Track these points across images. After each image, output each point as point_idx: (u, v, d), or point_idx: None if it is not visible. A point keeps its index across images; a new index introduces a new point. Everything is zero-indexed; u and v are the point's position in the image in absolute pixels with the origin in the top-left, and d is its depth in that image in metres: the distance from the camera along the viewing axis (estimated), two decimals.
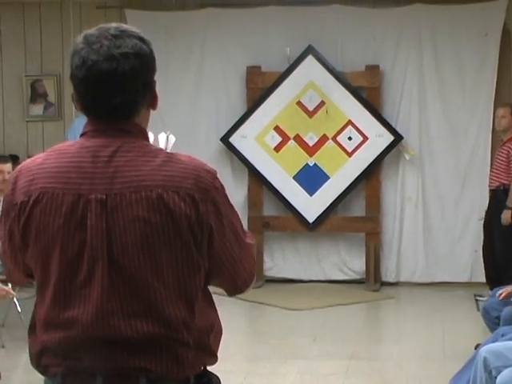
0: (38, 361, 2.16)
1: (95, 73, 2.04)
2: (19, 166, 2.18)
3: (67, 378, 2.10)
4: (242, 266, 2.18)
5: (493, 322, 5.56)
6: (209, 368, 2.23)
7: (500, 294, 5.48)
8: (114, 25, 2.11)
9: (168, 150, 2.28)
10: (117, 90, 2.05)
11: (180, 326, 2.08)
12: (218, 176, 2.11)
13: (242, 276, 2.20)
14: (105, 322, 2.04)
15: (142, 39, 2.10)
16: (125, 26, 2.12)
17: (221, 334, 2.26)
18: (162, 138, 2.44)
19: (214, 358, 2.22)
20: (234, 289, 2.25)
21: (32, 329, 2.18)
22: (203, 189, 2.05)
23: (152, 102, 2.16)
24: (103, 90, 2.05)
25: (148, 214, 2.01)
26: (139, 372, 2.06)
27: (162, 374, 2.07)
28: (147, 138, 2.16)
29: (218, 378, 2.24)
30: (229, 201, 2.12)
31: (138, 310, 2.05)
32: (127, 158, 2.06)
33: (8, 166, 7.48)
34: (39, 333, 2.14)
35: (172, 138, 2.48)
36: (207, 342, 2.17)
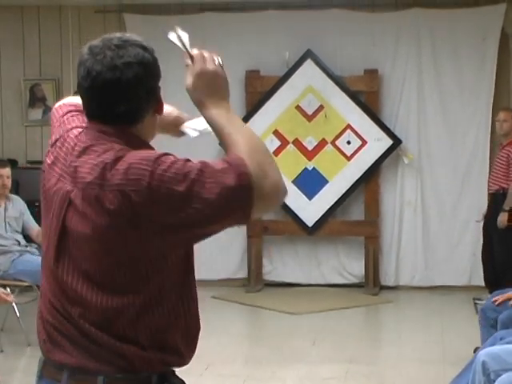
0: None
1: (99, 83, 2.11)
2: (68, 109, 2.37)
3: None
4: (216, 216, 2.04)
5: (490, 325, 5.57)
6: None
7: (496, 300, 5.46)
8: (117, 35, 2.18)
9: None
10: (121, 99, 2.13)
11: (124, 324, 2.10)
12: (157, 157, 2.05)
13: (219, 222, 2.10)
14: (53, 311, 2.16)
15: (144, 48, 2.20)
16: (127, 36, 2.19)
17: (195, 333, 2.21)
18: (173, 39, 2.46)
19: (180, 359, 2.19)
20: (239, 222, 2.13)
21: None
22: (134, 180, 2.01)
23: (157, 107, 2.26)
24: (108, 99, 2.13)
25: (89, 213, 2.06)
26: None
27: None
28: (135, 144, 2.14)
29: (182, 382, 2.22)
30: (173, 175, 2.02)
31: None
32: (89, 157, 2.11)
33: (7, 171, 7.49)
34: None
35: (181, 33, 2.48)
36: (169, 341, 2.15)
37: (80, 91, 2.17)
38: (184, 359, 2.19)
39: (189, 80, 2.24)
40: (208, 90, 2.22)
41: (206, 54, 2.28)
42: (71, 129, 2.28)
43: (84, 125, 2.24)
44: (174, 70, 9.24)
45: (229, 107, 2.18)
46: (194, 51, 2.29)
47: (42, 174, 2.25)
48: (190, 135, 2.58)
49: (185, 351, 2.18)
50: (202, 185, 2.00)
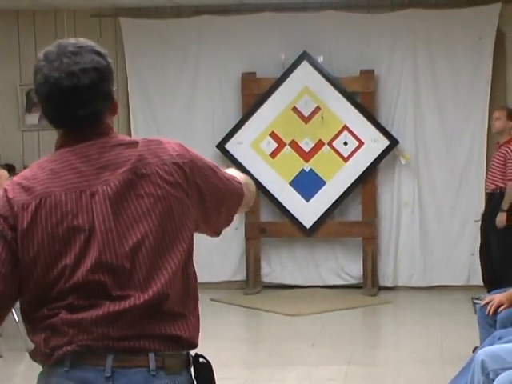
0: (45, 345, 2.17)
1: (57, 89, 2.19)
2: (10, 181, 2.26)
3: (76, 358, 2.12)
4: (229, 191, 2.39)
5: (489, 324, 5.56)
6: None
7: (489, 311, 5.43)
8: (72, 41, 2.25)
9: None
10: (79, 104, 2.20)
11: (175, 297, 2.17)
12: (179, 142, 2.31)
13: (222, 222, 2.41)
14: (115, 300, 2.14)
15: (98, 53, 2.24)
16: (82, 41, 2.25)
17: (200, 315, 2.30)
18: None
19: (196, 340, 2.25)
20: (216, 232, 2.43)
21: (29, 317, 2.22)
22: (182, 155, 2.24)
23: (113, 108, 2.30)
24: (67, 104, 2.20)
25: (150, 190, 2.17)
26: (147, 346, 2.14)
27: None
28: (116, 133, 2.30)
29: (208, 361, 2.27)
30: (195, 152, 2.32)
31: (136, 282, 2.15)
32: (116, 152, 2.21)
33: (4, 172, 7.49)
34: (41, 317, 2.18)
35: None
36: (192, 321, 2.22)
37: (38, 98, 2.25)
38: (197, 341, 2.25)
39: None
40: None
41: None
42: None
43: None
44: (169, 72, 9.31)
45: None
46: None
47: (36, 222, 2.16)
48: None
49: (198, 333, 2.26)
50: (220, 170, 2.37)
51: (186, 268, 2.21)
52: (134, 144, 2.24)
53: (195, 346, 2.22)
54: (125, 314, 2.11)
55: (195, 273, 2.27)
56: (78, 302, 2.13)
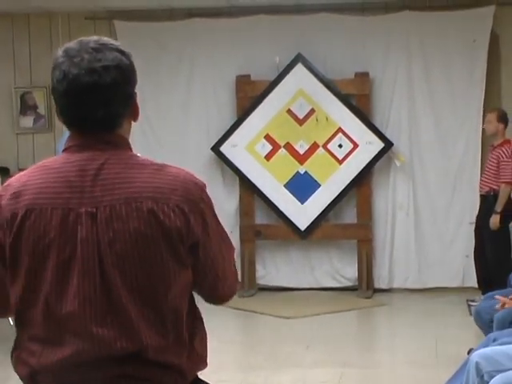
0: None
1: (77, 86, 2.06)
2: (3, 186, 2.18)
3: None
4: (224, 276, 2.21)
5: (486, 326, 5.57)
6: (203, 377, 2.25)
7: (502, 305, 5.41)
8: (94, 38, 2.13)
9: None
10: (99, 103, 2.07)
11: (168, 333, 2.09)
12: (207, 189, 2.14)
13: (221, 287, 2.23)
14: (94, 338, 2.05)
15: (122, 52, 2.12)
16: (105, 39, 2.14)
17: (206, 338, 2.26)
18: None
19: (204, 363, 2.23)
20: (213, 298, 2.28)
21: (16, 350, 2.20)
22: (192, 201, 2.08)
23: (134, 113, 2.18)
24: (85, 103, 2.07)
25: (139, 226, 2.03)
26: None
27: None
28: (131, 149, 2.17)
29: None
30: (214, 213, 2.16)
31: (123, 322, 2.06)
32: (116, 171, 2.07)
33: None
34: (26, 355, 2.17)
35: None
36: (196, 348, 2.18)
37: (55, 95, 2.12)
38: (205, 363, 2.23)
39: None
40: None
41: None
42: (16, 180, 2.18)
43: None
44: (164, 75, 9.31)
45: None
46: None
47: (19, 235, 2.09)
48: None
49: (205, 356, 2.22)
50: (226, 238, 2.24)
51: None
52: (143, 168, 2.08)
53: None
54: None
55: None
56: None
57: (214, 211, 2.15)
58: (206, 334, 2.24)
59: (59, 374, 2.08)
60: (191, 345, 2.14)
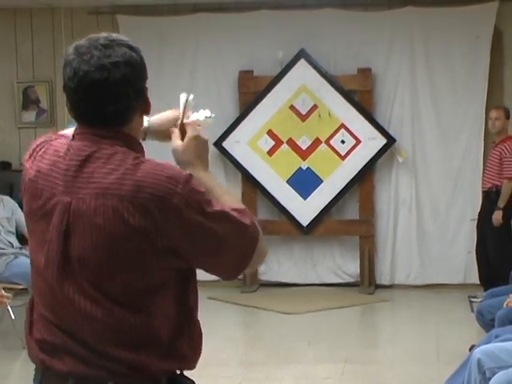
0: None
1: (87, 83, 2.08)
2: (43, 138, 2.29)
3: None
4: (225, 259, 2.15)
5: (487, 324, 5.57)
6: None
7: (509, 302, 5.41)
8: (103, 34, 2.15)
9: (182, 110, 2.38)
10: (109, 99, 2.09)
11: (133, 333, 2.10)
12: (191, 181, 2.07)
13: (226, 268, 2.19)
14: (52, 327, 2.13)
15: (131, 47, 2.15)
16: (114, 36, 2.16)
17: (199, 339, 2.23)
18: (181, 98, 2.50)
19: (187, 364, 2.21)
20: (227, 277, 2.25)
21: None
22: (161, 197, 2.03)
23: (145, 108, 2.20)
24: (96, 99, 2.10)
25: (103, 223, 2.04)
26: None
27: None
28: (132, 145, 2.16)
29: (192, 382, 2.24)
30: (201, 205, 2.07)
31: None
32: (96, 165, 2.09)
33: None
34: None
35: (190, 97, 2.50)
36: (177, 350, 2.16)
37: (67, 92, 2.14)
38: (191, 363, 2.21)
39: (178, 141, 2.29)
40: (199, 153, 2.27)
41: (199, 125, 2.34)
42: (54, 139, 2.25)
43: (66, 139, 2.22)
44: (167, 69, 9.30)
45: (213, 176, 2.28)
46: (191, 118, 2.36)
47: (24, 194, 2.20)
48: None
49: (191, 357, 2.20)
50: (219, 221, 2.09)
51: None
52: (121, 165, 2.08)
53: None
54: None
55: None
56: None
57: (199, 203, 2.06)
58: (198, 337, 2.22)
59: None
60: (171, 343, 2.14)
